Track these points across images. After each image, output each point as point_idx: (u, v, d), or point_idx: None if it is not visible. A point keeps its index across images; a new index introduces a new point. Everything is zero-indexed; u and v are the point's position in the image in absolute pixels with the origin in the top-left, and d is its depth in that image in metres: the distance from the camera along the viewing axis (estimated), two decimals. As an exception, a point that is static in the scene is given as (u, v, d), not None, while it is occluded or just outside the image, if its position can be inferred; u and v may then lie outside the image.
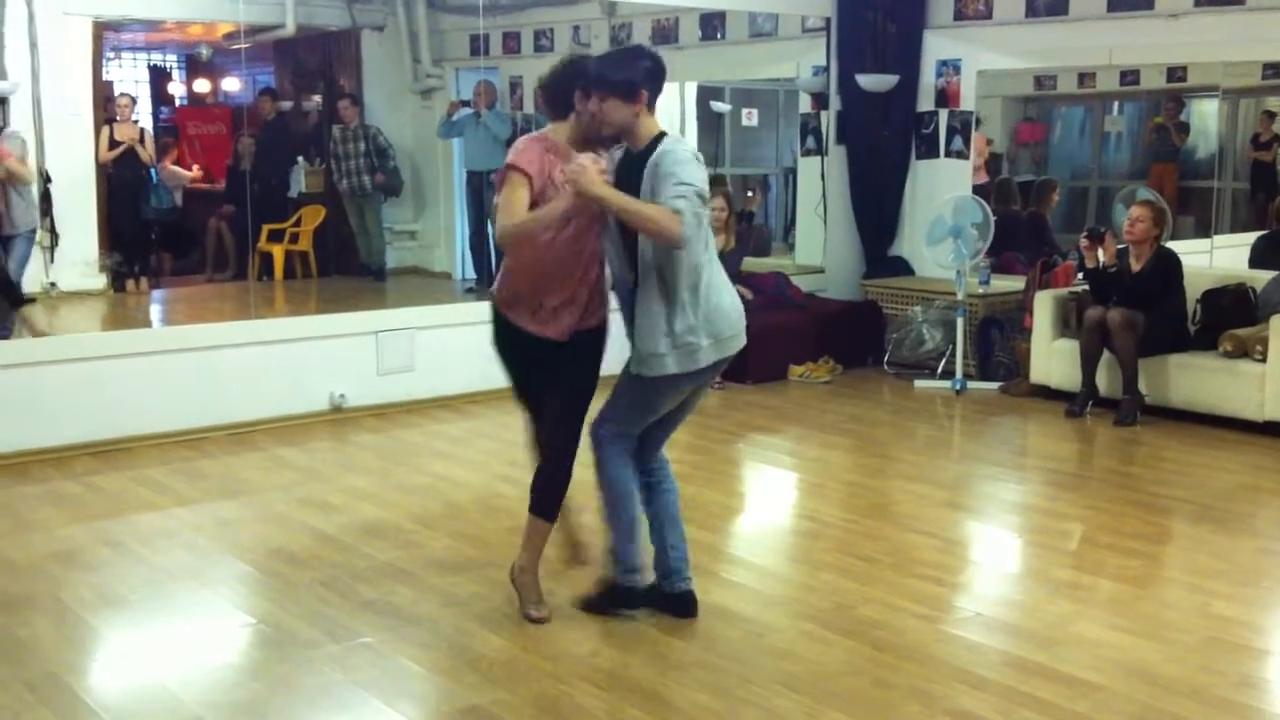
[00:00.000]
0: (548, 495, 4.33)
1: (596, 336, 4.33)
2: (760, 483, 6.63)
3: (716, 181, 7.27)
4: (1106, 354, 7.44)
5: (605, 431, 4.27)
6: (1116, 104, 12.25)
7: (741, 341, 4.27)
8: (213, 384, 7.01)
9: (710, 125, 11.51)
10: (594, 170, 3.95)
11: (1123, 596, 4.66)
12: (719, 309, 4.16)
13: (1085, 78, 11.34)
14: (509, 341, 4.36)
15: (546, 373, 4.29)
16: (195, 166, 11.38)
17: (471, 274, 10.73)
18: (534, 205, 4.12)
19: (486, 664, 4.00)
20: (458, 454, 6.62)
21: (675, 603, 4.37)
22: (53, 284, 9.05)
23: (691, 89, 11.24)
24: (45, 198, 8.96)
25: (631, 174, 4.07)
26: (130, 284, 9.90)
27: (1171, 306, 7.46)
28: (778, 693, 3.77)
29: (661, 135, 4.13)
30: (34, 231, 8.11)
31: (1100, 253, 7.49)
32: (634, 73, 4.09)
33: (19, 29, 8.95)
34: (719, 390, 8.23)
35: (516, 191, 4.12)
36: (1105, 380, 7.52)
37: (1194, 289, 7.58)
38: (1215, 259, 8.81)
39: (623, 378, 4.26)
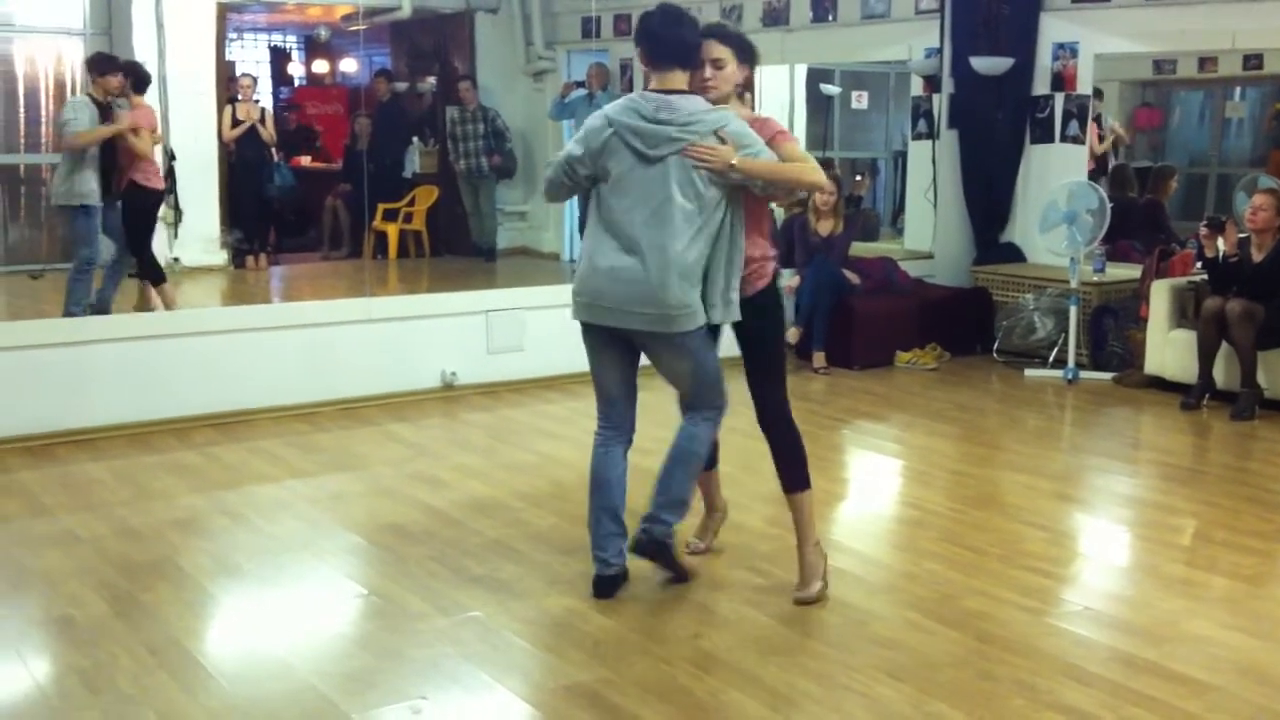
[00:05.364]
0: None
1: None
2: (865, 469, 6.60)
3: (825, 165, 7.23)
4: (1224, 346, 7.27)
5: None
6: (1238, 89, 11.93)
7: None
8: (328, 360, 7.18)
9: (819, 108, 11.45)
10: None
11: (1237, 595, 4.57)
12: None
13: (1206, 62, 11.06)
14: None
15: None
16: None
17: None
18: None
19: (591, 642, 4.05)
20: (564, 434, 6.68)
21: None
22: (176, 259, 9.34)
23: (801, 71, 11.20)
24: (170, 175, 9.25)
25: None
26: (250, 260, 10.14)
27: (1294, 298, 7.27)
28: (880, 681, 3.77)
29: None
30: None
31: (1220, 242, 7.32)
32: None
33: (146, 9, 9.25)
34: (824, 375, 8.21)
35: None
36: (1223, 373, 7.35)
37: (1318, 281, 7.37)
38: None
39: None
